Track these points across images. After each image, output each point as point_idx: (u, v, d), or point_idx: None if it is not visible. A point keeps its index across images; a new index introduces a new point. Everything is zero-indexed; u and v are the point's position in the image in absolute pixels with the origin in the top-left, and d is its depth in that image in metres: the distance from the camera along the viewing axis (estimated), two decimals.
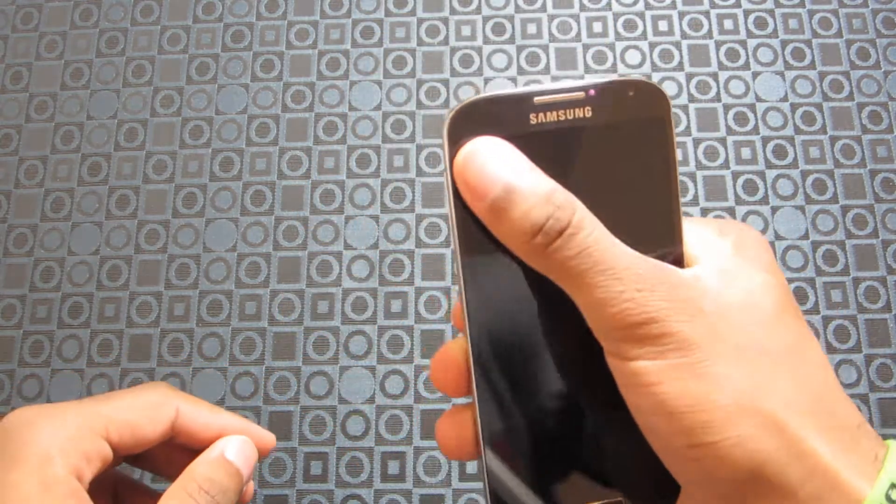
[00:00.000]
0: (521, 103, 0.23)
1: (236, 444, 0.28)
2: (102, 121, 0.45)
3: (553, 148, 0.24)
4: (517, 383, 0.25)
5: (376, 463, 0.38)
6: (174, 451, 0.30)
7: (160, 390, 0.28)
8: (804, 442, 0.20)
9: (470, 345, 0.24)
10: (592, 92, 0.24)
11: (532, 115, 0.23)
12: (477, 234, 0.23)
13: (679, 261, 0.24)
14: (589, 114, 0.24)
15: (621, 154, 0.24)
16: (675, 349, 0.21)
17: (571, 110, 0.24)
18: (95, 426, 0.26)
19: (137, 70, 0.46)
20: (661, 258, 0.23)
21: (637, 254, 0.22)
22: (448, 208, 0.24)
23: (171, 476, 0.29)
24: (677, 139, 0.43)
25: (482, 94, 0.23)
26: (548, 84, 0.24)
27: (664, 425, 0.21)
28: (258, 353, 0.40)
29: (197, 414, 0.29)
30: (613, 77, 0.24)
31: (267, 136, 0.44)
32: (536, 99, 0.23)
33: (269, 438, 0.30)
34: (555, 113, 0.23)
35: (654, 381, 0.21)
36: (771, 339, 0.21)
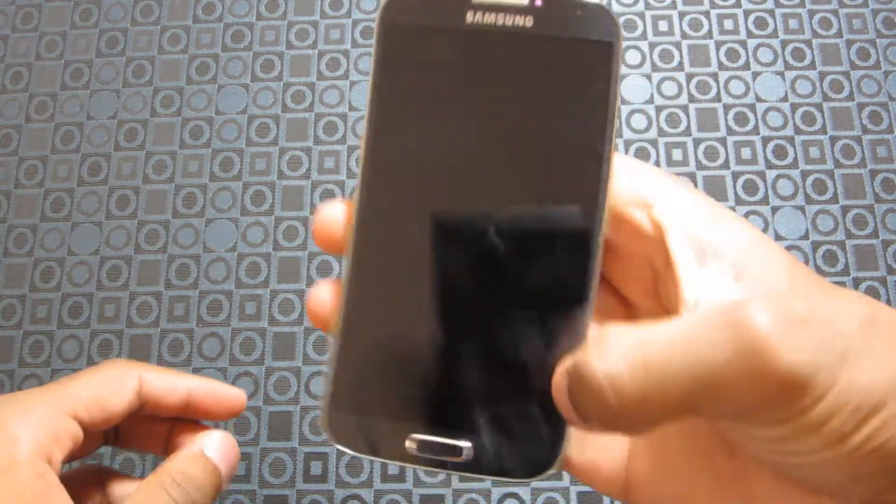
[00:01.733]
0: None
1: (216, 440, 0.28)
2: (102, 121, 0.45)
3: (486, 51, 0.22)
4: (394, 274, 0.23)
5: (376, 463, 0.38)
6: (153, 425, 0.30)
7: (120, 363, 0.29)
8: None
9: (355, 217, 0.23)
10: (536, 1, 0.22)
11: (469, 12, 0.22)
12: (394, 101, 0.22)
13: (596, 199, 0.22)
14: (529, 23, 0.22)
15: (556, 73, 0.22)
16: (827, 380, 0.17)
17: (511, 16, 0.22)
18: (61, 406, 0.26)
19: (137, 70, 0.46)
20: (579, 194, 0.22)
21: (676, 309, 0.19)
22: (367, 91, 0.23)
23: (158, 450, 0.30)
24: (678, 139, 0.43)
25: None
26: None
27: (835, 453, 0.18)
28: (258, 353, 0.40)
29: (161, 379, 0.28)
30: None
31: (267, 136, 0.44)
32: None
33: (238, 396, 0.30)
34: (493, 14, 0.22)
35: (822, 421, 0.17)
36: (853, 307, 0.18)
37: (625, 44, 0.45)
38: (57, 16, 0.47)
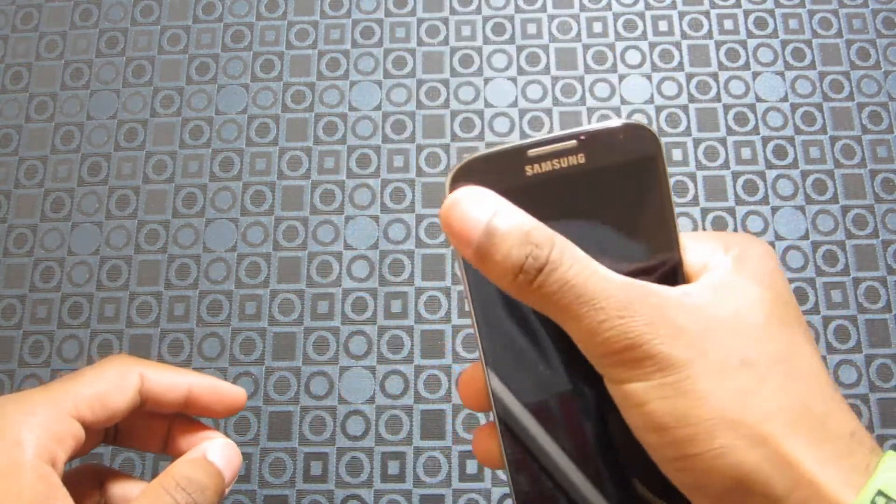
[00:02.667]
0: (516, 157, 0.24)
1: (219, 446, 0.29)
2: (102, 121, 0.45)
3: (550, 195, 0.25)
4: (531, 400, 0.26)
5: (376, 463, 0.38)
6: (152, 423, 0.30)
7: (121, 359, 0.28)
8: (789, 452, 0.21)
9: (486, 371, 0.26)
10: (583, 139, 0.25)
11: (528, 167, 0.24)
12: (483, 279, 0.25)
13: (677, 283, 0.25)
14: (582, 160, 0.25)
15: (617, 195, 0.25)
16: (657, 370, 0.22)
17: (565, 158, 0.25)
18: (64, 406, 0.26)
19: (137, 70, 0.46)
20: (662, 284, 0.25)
21: (622, 279, 0.23)
22: (458, 262, 0.26)
23: (156, 448, 0.30)
24: (678, 139, 0.43)
25: (478, 153, 0.25)
26: (541, 135, 0.25)
27: (655, 440, 0.22)
28: (258, 353, 0.40)
29: (161, 376, 0.29)
30: (604, 124, 0.26)
31: (267, 136, 0.44)
32: (530, 152, 0.24)
33: (239, 393, 0.30)
34: (549, 162, 0.24)
35: (641, 401, 0.22)
36: (758, 351, 0.22)
37: (625, 44, 0.45)
38: (57, 16, 0.47)
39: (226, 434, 0.39)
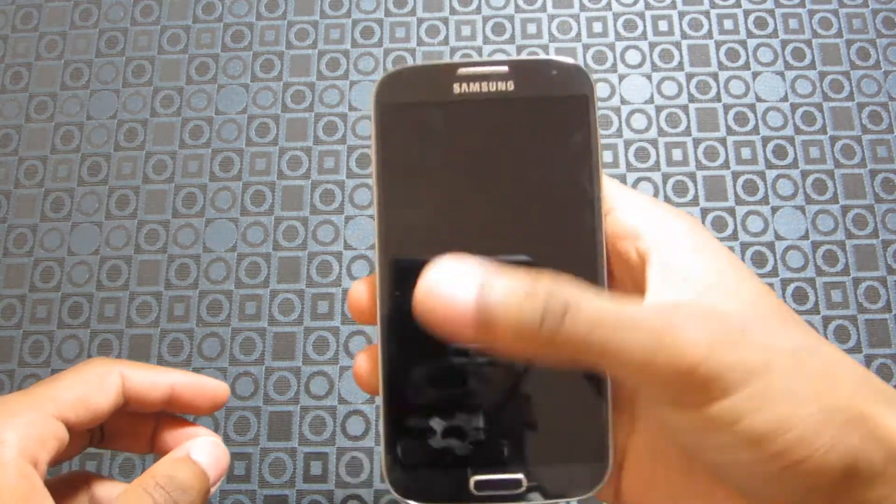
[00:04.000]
0: (445, 73, 0.25)
1: (203, 445, 0.28)
2: (102, 121, 0.45)
3: (475, 117, 0.25)
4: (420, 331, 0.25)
5: (376, 463, 0.38)
6: (137, 423, 0.30)
7: (100, 361, 0.28)
8: (882, 424, 0.20)
9: (379, 290, 0.25)
10: (515, 66, 0.25)
11: (456, 85, 0.25)
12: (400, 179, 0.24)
13: (594, 241, 0.25)
14: (511, 87, 0.25)
15: (542, 127, 0.25)
16: (740, 380, 0.20)
17: (494, 83, 0.25)
18: (45, 408, 0.26)
19: (137, 70, 0.46)
20: (577, 239, 0.24)
21: (643, 302, 0.22)
22: (372, 168, 0.25)
23: (144, 448, 0.30)
24: (678, 139, 0.43)
25: (408, 65, 0.25)
26: (475, 59, 0.25)
27: (753, 456, 0.20)
28: (258, 353, 0.40)
29: (143, 375, 0.28)
30: (539, 56, 0.26)
31: (267, 136, 0.44)
32: (460, 70, 0.25)
33: (221, 388, 0.30)
34: (478, 84, 0.25)
35: (733, 419, 0.20)
36: (799, 336, 0.21)
37: (625, 44, 0.45)
38: (57, 16, 0.47)
39: (226, 434, 0.39)
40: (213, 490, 0.28)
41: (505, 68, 0.25)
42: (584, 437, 0.25)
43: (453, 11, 0.46)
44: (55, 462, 0.26)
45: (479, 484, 0.25)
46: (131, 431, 0.30)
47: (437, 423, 0.25)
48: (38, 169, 0.44)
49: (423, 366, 0.25)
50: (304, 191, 0.43)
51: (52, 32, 0.47)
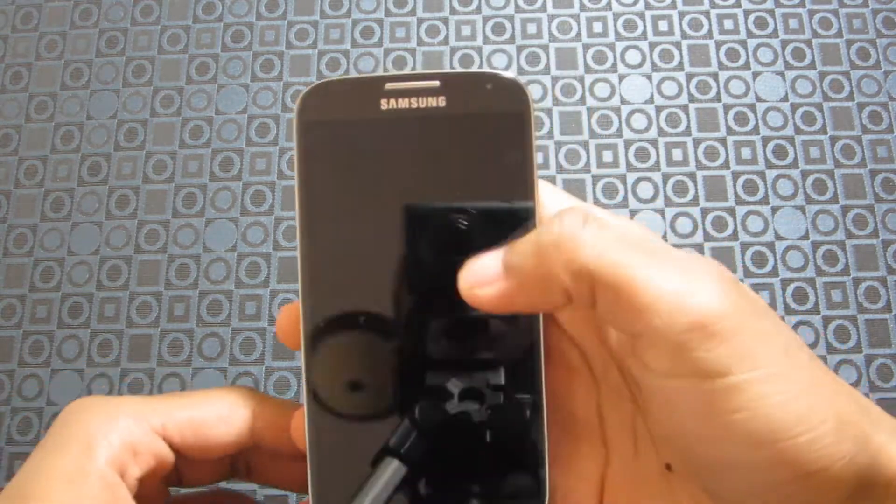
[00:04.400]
0: (372, 88, 0.23)
1: None
2: (102, 121, 0.45)
3: (403, 135, 0.23)
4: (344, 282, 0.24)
5: None
6: (290, 462, 0.27)
7: (237, 392, 0.26)
8: (886, 451, 0.18)
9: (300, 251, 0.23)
10: (446, 81, 0.23)
11: (384, 100, 0.23)
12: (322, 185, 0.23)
13: None
14: (442, 103, 0.23)
15: (475, 147, 0.23)
16: (756, 358, 0.18)
17: (424, 98, 0.23)
18: (150, 420, 0.24)
19: (137, 70, 0.46)
20: None
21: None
22: (295, 188, 0.24)
23: (293, 488, 0.27)
24: (678, 139, 0.43)
25: (333, 77, 0.23)
26: (404, 72, 0.24)
27: (761, 457, 0.18)
28: (258, 353, 0.40)
29: (276, 419, 0.25)
30: (471, 70, 0.24)
31: (267, 136, 0.44)
32: (388, 85, 0.23)
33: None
34: (407, 100, 0.23)
35: (742, 401, 0.17)
36: (786, 340, 0.20)
37: (625, 44, 0.45)
38: (57, 16, 0.47)
39: None
40: None
41: (436, 83, 0.23)
42: (520, 473, 0.23)
43: (453, 11, 0.46)
44: (153, 480, 0.24)
45: None
46: (281, 470, 0.27)
47: (369, 467, 0.23)
48: (38, 169, 0.44)
49: (346, 407, 0.24)
50: None
51: (52, 32, 0.47)
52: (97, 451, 0.23)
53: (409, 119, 0.23)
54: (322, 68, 0.45)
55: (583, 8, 0.46)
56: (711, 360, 0.18)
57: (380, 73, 0.23)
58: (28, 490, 0.22)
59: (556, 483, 0.24)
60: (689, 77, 0.44)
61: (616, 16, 0.46)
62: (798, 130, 0.43)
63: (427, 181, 0.23)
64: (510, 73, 0.24)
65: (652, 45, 0.45)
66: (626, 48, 0.45)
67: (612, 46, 0.45)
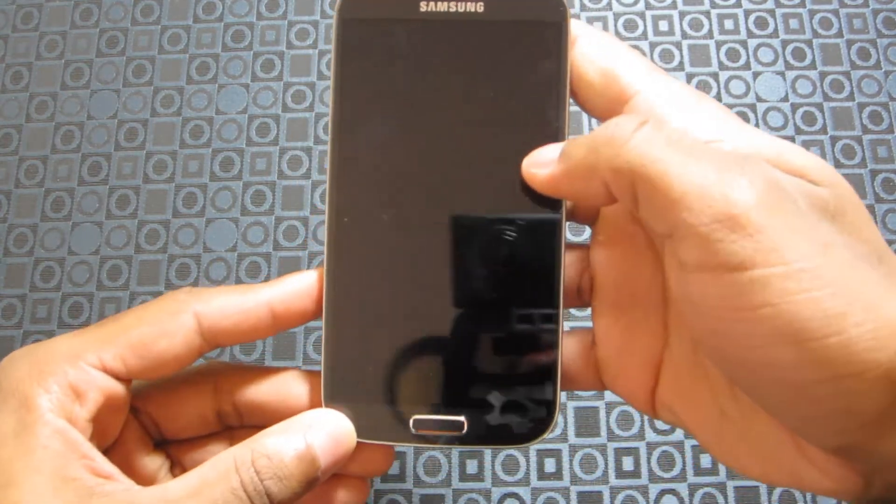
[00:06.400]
0: None
1: (326, 428, 0.23)
2: (102, 121, 0.45)
3: (441, 37, 0.23)
4: (374, 253, 0.24)
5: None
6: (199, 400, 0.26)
7: (172, 298, 0.24)
8: None
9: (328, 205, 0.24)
10: None
11: (423, 2, 0.23)
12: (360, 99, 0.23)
13: None
14: (481, 9, 0.23)
15: (510, 54, 0.24)
16: (788, 250, 0.17)
17: (463, 3, 0.23)
18: (86, 357, 0.22)
19: (137, 70, 0.46)
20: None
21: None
22: (331, 84, 0.24)
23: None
24: None
25: None
26: None
27: (791, 356, 0.17)
28: (258, 352, 0.40)
29: (226, 306, 0.24)
30: None
31: (267, 135, 0.44)
32: None
33: (311, 279, 0.25)
34: (445, 2, 0.23)
35: (774, 295, 0.17)
36: (858, 239, 0.19)
37: (626, 44, 0.45)
38: (57, 16, 0.47)
39: None
40: (322, 479, 0.23)
41: None
42: (531, 388, 0.24)
43: None
44: (103, 416, 0.23)
45: (418, 423, 0.24)
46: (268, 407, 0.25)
47: (378, 357, 0.24)
48: (38, 169, 0.44)
49: (370, 297, 0.24)
50: (304, 191, 0.43)
51: (52, 32, 0.47)
52: (37, 402, 0.21)
53: (447, 22, 0.23)
54: (322, 68, 0.45)
55: (583, 8, 0.46)
56: (737, 251, 0.18)
57: None
58: None
59: (611, 360, 0.24)
60: (690, 77, 0.44)
61: (616, 16, 0.46)
62: (798, 130, 0.43)
63: (461, 86, 0.23)
64: None
65: (652, 45, 0.45)
66: None
67: None
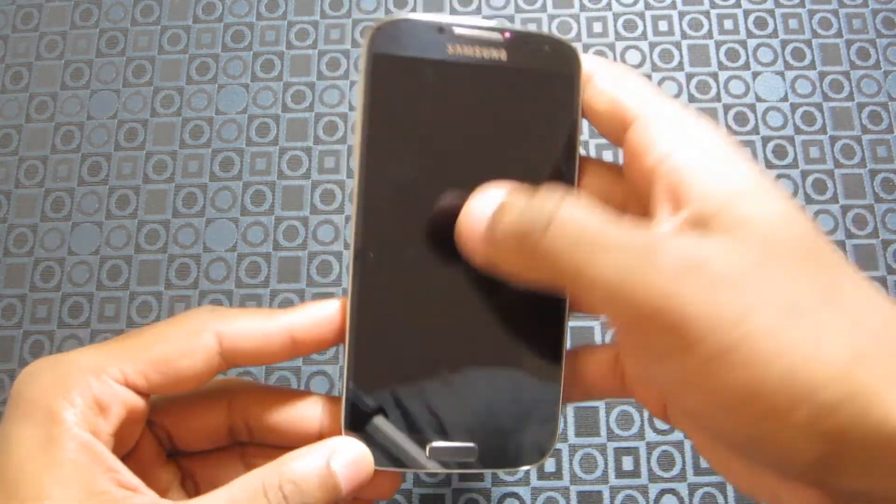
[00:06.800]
0: (443, 31, 0.24)
1: (347, 451, 0.24)
2: (102, 121, 0.45)
3: (466, 81, 0.24)
4: (399, 285, 0.25)
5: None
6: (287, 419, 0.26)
7: (196, 315, 0.24)
8: (881, 402, 0.17)
9: (355, 230, 0.24)
10: (509, 35, 0.25)
11: (450, 46, 0.24)
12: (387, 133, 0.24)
13: None
14: (504, 57, 0.24)
15: (528, 101, 0.25)
16: (708, 333, 0.18)
17: (487, 49, 0.24)
18: (108, 371, 0.23)
19: (137, 70, 0.46)
20: None
21: (635, 229, 0.21)
22: (357, 119, 0.24)
23: (292, 442, 0.26)
24: None
25: (405, 15, 0.24)
26: (471, 19, 0.25)
27: (725, 422, 0.19)
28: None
29: (247, 329, 0.24)
30: (533, 29, 0.26)
31: (267, 136, 0.44)
32: (457, 30, 0.24)
33: (333, 309, 0.25)
34: (471, 48, 0.24)
35: (701, 376, 0.18)
36: (797, 289, 0.19)
37: (625, 44, 0.45)
38: (57, 16, 0.47)
39: None
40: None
41: (500, 36, 0.24)
42: (535, 410, 0.25)
43: (453, 11, 0.46)
44: (126, 430, 0.23)
45: (433, 451, 0.25)
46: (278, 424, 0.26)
47: (397, 388, 0.25)
48: (38, 169, 0.44)
49: (391, 330, 0.25)
50: (304, 191, 0.43)
51: (52, 32, 0.47)
52: (62, 415, 0.22)
53: (471, 67, 0.24)
54: (322, 68, 0.45)
55: (583, 8, 0.46)
56: (654, 344, 0.19)
57: (447, 16, 0.25)
58: (1, 464, 0.21)
59: (631, 373, 0.25)
60: (689, 77, 0.44)
61: (616, 16, 0.46)
62: (798, 130, 0.43)
63: (482, 130, 0.24)
64: (566, 38, 0.26)
65: (652, 46, 0.45)
66: (627, 48, 0.45)
67: (612, 46, 0.45)
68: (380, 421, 0.25)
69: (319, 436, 0.26)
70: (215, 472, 0.27)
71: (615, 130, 0.24)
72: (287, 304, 0.41)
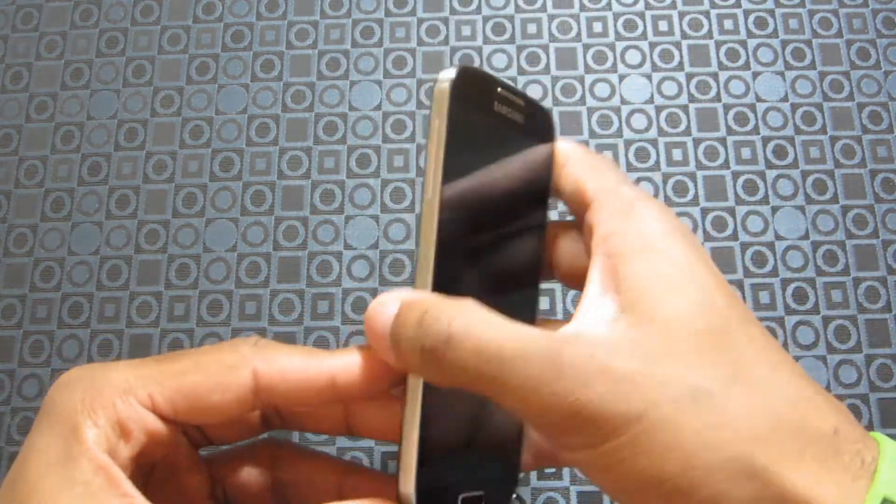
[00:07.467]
0: (495, 88, 0.26)
1: None
2: (102, 121, 0.45)
3: (499, 137, 0.27)
4: None
5: (377, 463, 0.38)
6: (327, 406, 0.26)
7: (236, 351, 0.24)
8: (779, 480, 0.19)
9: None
10: (527, 103, 0.27)
11: (496, 102, 0.26)
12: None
13: (535, 271, 0.28)
14: (521, 120, 0.27)
15: (527, 163, 0.27)
16: (611, 432, 0.20)
17: (514, 112, 0.27)
18: (137, 393, 0.22)
19: (137, 70, 0.46)
20: (523, 271, 0.27)
21: (537, 333, 0.21)
22: (430, 161, 0.25)
23: (334, 431, 0.27)
24: (678, 139, 0.43)
25: (476, 67, 0.27)
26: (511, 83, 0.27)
27: (635, 499, 0.21)
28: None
29: (287, 369, 0.23)
30: (538, 101, 0.30)
31: (267, 136, 0.44)
32: (500, 90, 0.26)
33: (380, 361, 0.25)
34: (506, 108, 0.26)
35: (604, 467, 0.20)
36: (702, 375, 0.20)
37: (625, 44, 0.45)
38: (57, 16, 0.47)
39: None
40: None
41: (522, 102, 0.27)
42: (508, 451, 0.28)
43: (453, 11, 0.46)
44: (146, 456, 0.23)
45: (464, 501, 0.26)
46: (318, 413, 0.26)
47: (447, 450, 0.26)
48: (38, 169, 0.44)
49: (450, 402, 0.26)
50: (304, 191, 0.43)
51: (52, 32, 0.47)
52: (84, 434, 0.22)
53: (502, 123, 0.27)
54: (322, 68, 0.45)
55: (583, 8, 0.46)
56: (570, 442, 0.21)
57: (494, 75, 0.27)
58: (17, 476, 0.21)
59: None
60: (689, 77, 0.44)
61: (616, 16, 0.46)
62: (798, 130, 0.43)
63: (500, 181, 0.27)
64: (551, 111, 0.28)
65: (652, 45, 0.45)
66: (626, 48, 0.45)
67: (612, 46, 0.45)
68: (429, 480, 0.25)
69: (345, 411, 0.27)
70: (245, 481, 0.27)
71: (578, 210, 0.26)
72: (286, 304, 0.41)
